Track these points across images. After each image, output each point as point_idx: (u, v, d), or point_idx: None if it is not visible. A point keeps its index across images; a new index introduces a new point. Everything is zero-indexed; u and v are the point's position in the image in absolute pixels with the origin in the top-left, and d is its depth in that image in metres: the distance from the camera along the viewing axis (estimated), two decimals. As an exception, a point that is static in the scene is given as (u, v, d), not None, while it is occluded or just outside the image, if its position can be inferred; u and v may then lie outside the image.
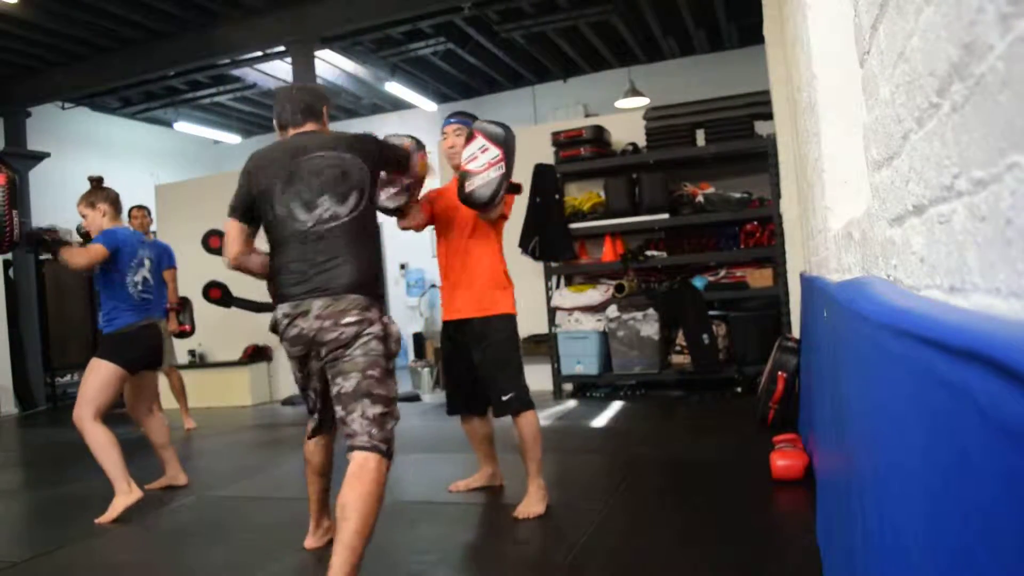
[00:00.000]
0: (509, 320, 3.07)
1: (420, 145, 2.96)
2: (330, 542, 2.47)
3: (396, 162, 2.69)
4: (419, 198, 3.08)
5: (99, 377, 3.42)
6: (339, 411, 2.31)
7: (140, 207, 5.69)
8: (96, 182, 3.75)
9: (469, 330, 3.06)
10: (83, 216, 3.67)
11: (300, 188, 2.39)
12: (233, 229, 2.48)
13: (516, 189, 3.10)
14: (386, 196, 2.92)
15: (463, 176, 2.89)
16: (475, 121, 3.03)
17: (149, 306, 3.66)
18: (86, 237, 3.48)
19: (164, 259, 5.54)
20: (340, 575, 2.03)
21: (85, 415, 3.38)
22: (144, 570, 2.73)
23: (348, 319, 2.31)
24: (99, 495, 3.90)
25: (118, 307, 3.52)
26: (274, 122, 2.59)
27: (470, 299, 3.04)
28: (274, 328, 2.46)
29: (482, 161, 2.85)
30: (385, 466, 2.24)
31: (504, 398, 2.97)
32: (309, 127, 2.53)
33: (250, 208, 2.46)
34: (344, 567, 2.04)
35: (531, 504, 2.95)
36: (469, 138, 2.93)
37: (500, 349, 3.01)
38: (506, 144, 2.88)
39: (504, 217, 3.12)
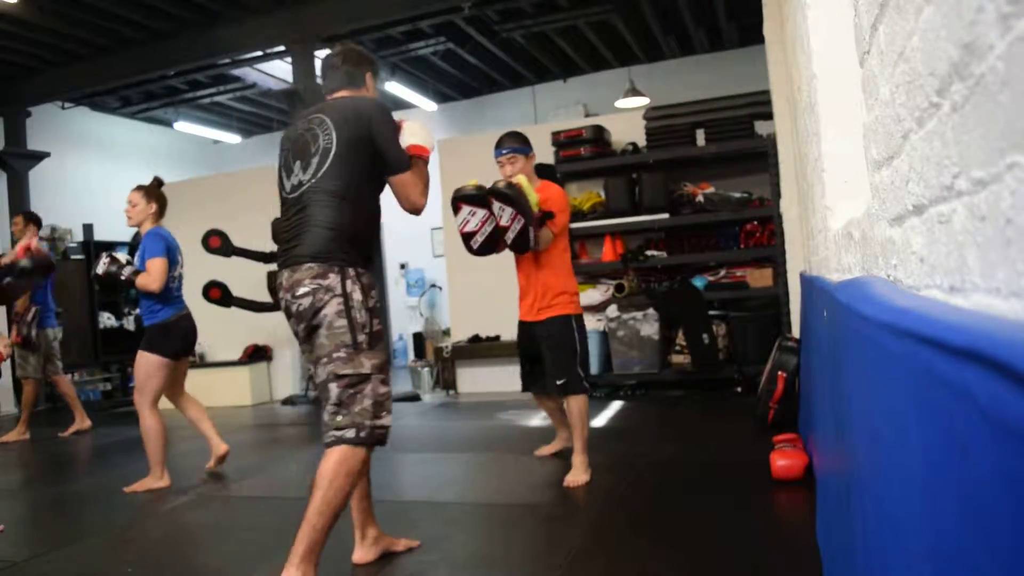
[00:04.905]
0: (564, 321, 3.51)
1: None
2: (382, 556, 2.54)
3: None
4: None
5: (145, 368, 3.76)
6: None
7: None
8: (159, 183, 4.05)
9: (532, 330, 3.58)
10: (132, 204, 3.91)
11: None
12: None
13: (549, 216, 3.43)
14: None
15: (465, 238, 3.43)
16: (456, 192, 3.43)
17: (182, 299, 3.98)
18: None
19: None
20: (300, 540, 2.15)
21: (143, 402, 3.76)
22: (144, 569, 2.72)
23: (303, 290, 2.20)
24: (99, 495, 3.91)
25: (160, 300, 3.82)
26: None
27: (531, 307, 3.57)
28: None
29: (473, 224, 3.38)
30: (351, 453, 2.17)
31: (557, 383, 3.47)
32: (342, 93, 2.46)
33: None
34: (303, 536, 2.15)
35: (577, 474, 3.36)
36: (454, 209, 3.42)
37: (552, 344, 3.50)
38: (493, 198, 3.28)
39: (558, 236, 3.49)
